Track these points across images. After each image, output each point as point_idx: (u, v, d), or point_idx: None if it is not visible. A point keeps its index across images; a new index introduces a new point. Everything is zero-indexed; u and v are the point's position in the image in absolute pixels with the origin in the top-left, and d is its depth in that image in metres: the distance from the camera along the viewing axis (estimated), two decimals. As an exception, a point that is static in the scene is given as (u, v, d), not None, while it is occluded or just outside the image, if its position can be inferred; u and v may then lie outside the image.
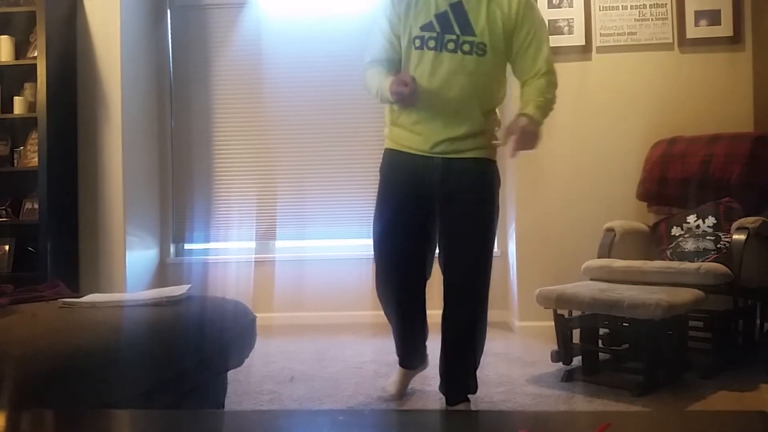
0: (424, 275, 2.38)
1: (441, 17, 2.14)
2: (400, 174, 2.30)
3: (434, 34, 2.14)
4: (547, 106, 2.20)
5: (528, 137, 2.09)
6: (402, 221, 2.29)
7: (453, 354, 2.31)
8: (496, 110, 2.33)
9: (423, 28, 2.16)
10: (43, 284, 2.38)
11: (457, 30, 2.13)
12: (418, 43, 2.16)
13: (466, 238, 2.24)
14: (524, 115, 2.15)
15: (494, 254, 4.32)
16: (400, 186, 2.30)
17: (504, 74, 2.29)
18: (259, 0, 4.37)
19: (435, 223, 2.29)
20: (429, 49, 2.15)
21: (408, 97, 2.10)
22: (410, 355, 2.55)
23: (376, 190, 2.41)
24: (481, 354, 2.36)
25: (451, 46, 2.13)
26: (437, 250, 2.37)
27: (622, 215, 3.52)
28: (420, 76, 2.14)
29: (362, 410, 2.35)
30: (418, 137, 2.22)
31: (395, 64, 2.26)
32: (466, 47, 2.13)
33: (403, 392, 2.55)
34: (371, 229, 2.40)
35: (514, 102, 2.42)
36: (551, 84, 2.24)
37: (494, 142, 2.28)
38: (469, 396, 2.34)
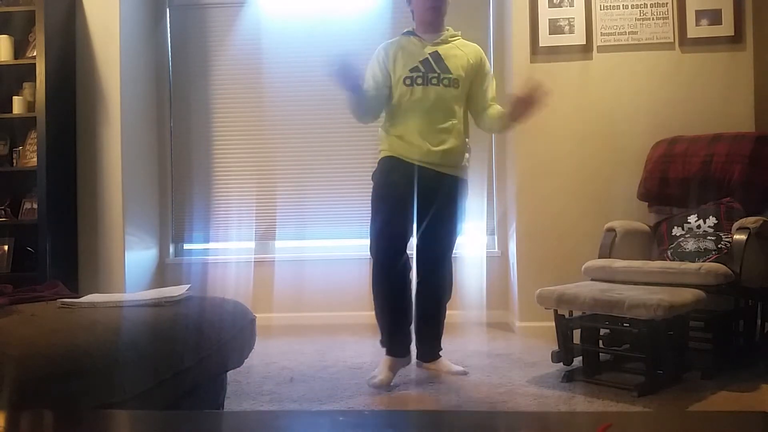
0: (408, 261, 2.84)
1: (424, 62, 2.82)
2: (396, 174, 2.81)
3: (420, 74, 2.80)
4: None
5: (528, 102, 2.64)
6: (396, 212, 2.78)
7: (423, 322, 2.88)
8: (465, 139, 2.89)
9: (411, 71, 2.80)
10: (42, 284, 2.37)
11: (437, 70, 2.81)
12: (408, 81, 2.80)
13: (436, 235, 2.82)
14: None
15: (494, 254, 4.39)
16: (397, 184, 2.80)
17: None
18: (258, -1, 4.37)
19: (413, 218, 2.80)
20: (417, 84, 2.80)
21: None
22: (398, 343, 2.82)
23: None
24: (443, 323, 2.98)
25: (434, 81, 2.79)
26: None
27: (622, 215, 3.52)
28: (412, 103, 2.79)
29: (362, 411, 2.34)
30: (411, 147, 2.78)
31: (375, 99, 2.86)
32: (446, 81, 2.80)
33: (391, 379, 2.73)
34: (369, 226, 2.88)
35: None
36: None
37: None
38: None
